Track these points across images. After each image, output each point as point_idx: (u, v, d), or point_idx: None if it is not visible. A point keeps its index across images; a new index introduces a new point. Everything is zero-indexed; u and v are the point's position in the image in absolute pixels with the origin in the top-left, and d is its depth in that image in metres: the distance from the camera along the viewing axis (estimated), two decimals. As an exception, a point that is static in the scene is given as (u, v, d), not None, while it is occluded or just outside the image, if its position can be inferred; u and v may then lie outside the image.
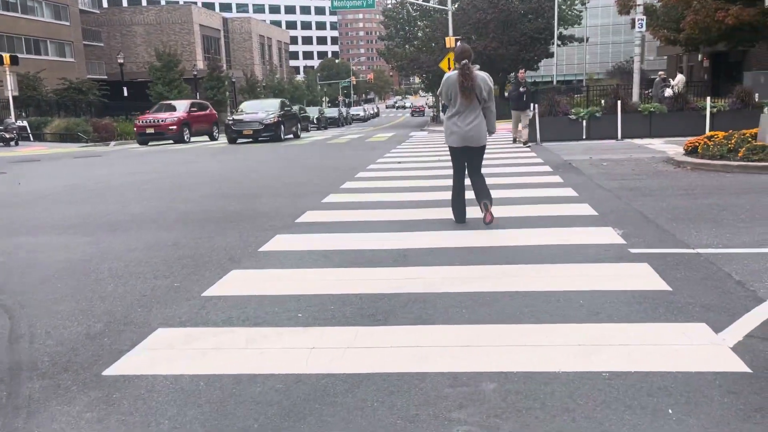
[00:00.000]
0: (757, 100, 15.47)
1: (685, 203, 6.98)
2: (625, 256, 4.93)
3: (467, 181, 6.35)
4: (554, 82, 38.53)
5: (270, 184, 10.14)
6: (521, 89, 15.79)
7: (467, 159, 6.29)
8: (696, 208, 6.67)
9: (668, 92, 23.52)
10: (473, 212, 6.45)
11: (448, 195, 6.63)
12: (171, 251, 5.65)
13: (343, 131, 34.18)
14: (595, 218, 6.37)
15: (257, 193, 9.06)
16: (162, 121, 24.43)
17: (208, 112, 27.43)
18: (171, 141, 24.56)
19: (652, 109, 15.54)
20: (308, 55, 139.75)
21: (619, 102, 15.32)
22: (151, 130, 24.50)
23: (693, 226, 5.86)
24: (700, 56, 42.81)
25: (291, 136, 24.62)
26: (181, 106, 25.89)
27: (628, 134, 15.40)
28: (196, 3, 72.54)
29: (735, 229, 5.69)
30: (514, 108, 16.18)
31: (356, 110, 72.16)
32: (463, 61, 5.92)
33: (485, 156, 6.48)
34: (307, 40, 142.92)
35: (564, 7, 42.65)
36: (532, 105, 15.95)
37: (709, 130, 15.03)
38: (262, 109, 23.42)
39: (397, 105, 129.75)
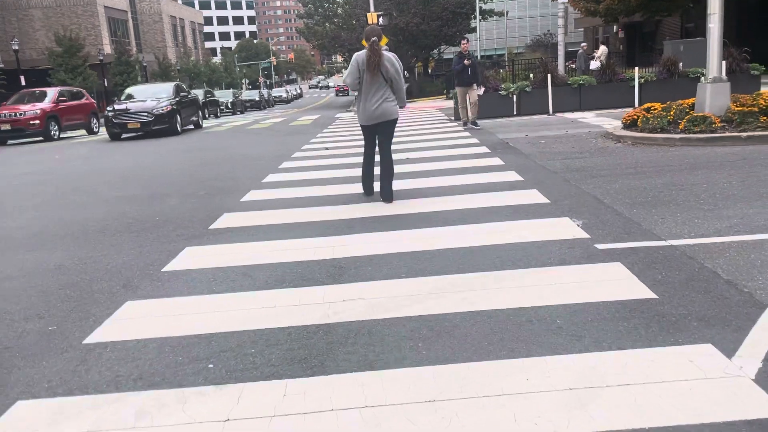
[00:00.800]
0: (681, 68, 15.44)
1: (638, 183, 6.48)
2: (594, 254, 4.30)
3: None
4: (479, 57, 38.27)
5: (178, 181, 9.04)
6: (465, 62, 13.47)
7: (378, 134, 6.50)
8: (651, 189, 6.17)
9: (594, 64, 23.59)
10: (409, 199, 5.70)
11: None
12: (52, 278, 4.60)
13: (266, 114, 32.69)
14: (548, 207, 5.75)
15: (163, 193, 7.98)
16: (21, 114, 19.37)
17: (84, 101, 22.50)
18: (38, 137, 20.00)
19: (581, 82, 15.25)
20: (225, 36, 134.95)
21: (549, 76, 14.94)
22: (6, 126, 19.25)
23: (655, 211, 5.32)
24: (615, 27, 43.74)
25: (191, 126, 20.78)
26: (48, 96, 20.91)
27: (559, 108, 15.07)
28: (99, -17, 67.88)
29: (701, 212, 5.19)
30: (458, 84, 13.98)
31: (278, 92, 69.75)
32: (372, 38, 6.26)
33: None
34: (223, 21, 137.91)
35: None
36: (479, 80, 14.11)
37: (639, 101, 14.94)
38: (152, 96, 18.91)
39: (320, 85, 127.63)
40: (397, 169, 8.37)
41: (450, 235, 5.01)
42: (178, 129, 18.61)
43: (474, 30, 41.02)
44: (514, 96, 15.44)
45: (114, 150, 14.92)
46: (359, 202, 6.52)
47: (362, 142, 6.81)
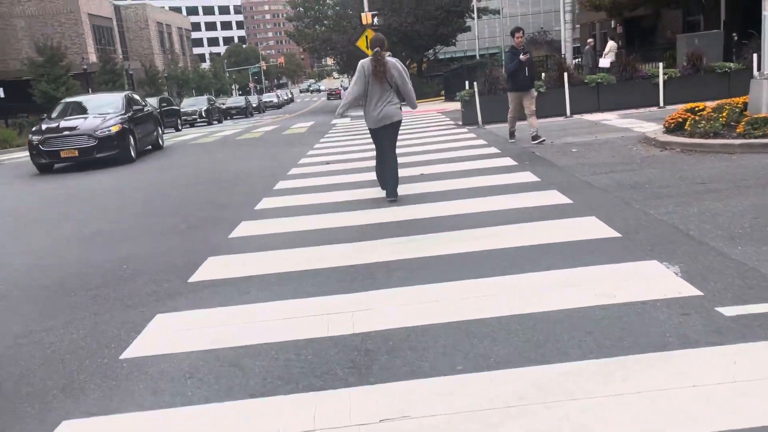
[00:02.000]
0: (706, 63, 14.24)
1: (720, 207, 5.23)
2: (723, 326, 3.05)
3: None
4: (477, 57, 37.10)
5: (155, 211, 7.77)
6: (522, 57, 9.94)
7: (384, 138, 6.73)
8: (743, 215, 4.93)
9: (604, 62, 22.41)
10: (440, 232, 4.46)
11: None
12: (-34, 376, 3.31)
13: (255, 122, 31.28)
14: (622, 244, 4.50)
15: (134, 230, 6.70)
16: None
17: None
18: None
19: (599, 81, 14.04)
20: (213, 42, 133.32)
21: (565, 75, 13.70)
22: None
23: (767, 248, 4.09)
24: (613, 22, 42.65)
25: (149, 147, 15.84)
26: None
27: (576, 110, 13.85)
28: (83, -10, 66.30)
29: (836, 252, 3.96)
30: (512, 88, 10.52)
31: (269, 97, 67.65)
32: (375, 49, 6.50)
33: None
34: (211, 26, 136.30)
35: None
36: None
37: (663, 100, 13.73)
38: (95, 111, 14.05)
39: (311, 89, 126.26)
40: (416, 189, 7.14)
41: (504, 293, 3.75)
42: (132, 155, 13.67)
43: (468, 29, 39.84)
44: (526, 97, 14.18)
45: (47, 186, 11.26)
46: (378, 236, 5.25)
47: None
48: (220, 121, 35.13)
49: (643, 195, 5.87)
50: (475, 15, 35.41)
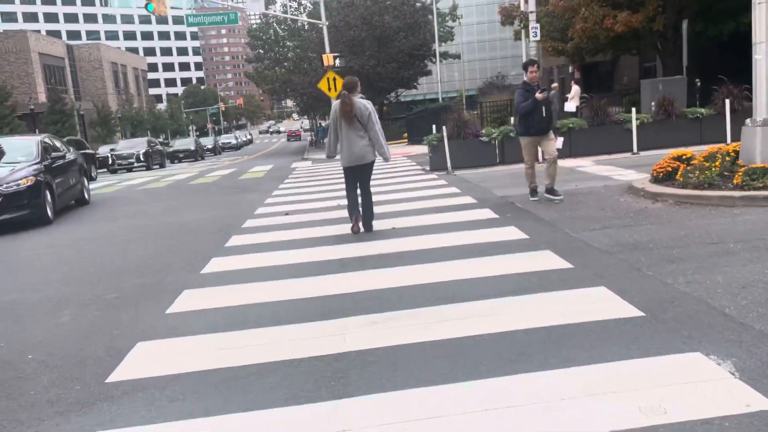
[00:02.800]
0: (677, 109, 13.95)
1: (747, 275, 4.49)
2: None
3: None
4: (440, 100, 36.97)
5: (74, 276, 6.69)
6: (538, 95, 7.97)
7: (357, 176, 7.17)
8: (779, 286, 4.20)
9: (569, 106, 22.28)
10: (419, 307, 3.56)
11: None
12: None
13: (211, 165, 30.19)
14: (652, 327, 3.68)
15: (44, 298, 5.61)
16: None
17: None
18: None
19: (571, 125, 13.57)
20: (171, 83, 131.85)
21: (536, 119, 13.18)
22: None
23: (836, 336, 3.32)
24: (570, 68, 43.39)
25: (72, 202, 12.87)
26: None
27: (548, 155, 13.29)
28: (35, 30, 64.59)
29: None
30: (526, 132, 8.37)
31: (227, 138, 65.86)
32: (342, 92, 6.91)
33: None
34: (169, 67, 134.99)
35: (433, 25, 41.54)
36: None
37: (637, 146, 13.32)
38: (1, 160, 11.08)
39: (270, 130, 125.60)
40: (389, 247, 6.27)
41: (521, 404, 2.86)
42: (49, 214, 10.62)
43: (429, 73, 39.87)
44: (496, 142, 13.63)
45: None
46: (350, 311, 4.33)
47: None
48: (162, 165, 31.44)
49: (651, 258, 5.11)
50: (437, 59, 35.38)
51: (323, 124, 57.07)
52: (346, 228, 7.48)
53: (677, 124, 13.67)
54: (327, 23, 27.68)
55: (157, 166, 30.33)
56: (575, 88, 22.28)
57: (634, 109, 13.47)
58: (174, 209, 11.39)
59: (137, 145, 30.84)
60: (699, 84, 20.24)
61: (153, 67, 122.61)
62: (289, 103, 76.21)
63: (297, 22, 43.66)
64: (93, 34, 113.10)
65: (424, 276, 5.13)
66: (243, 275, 5.73)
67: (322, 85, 24.74)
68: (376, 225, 7.45)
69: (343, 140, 6.97)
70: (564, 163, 12.85)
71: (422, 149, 20.11)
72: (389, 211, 8.64)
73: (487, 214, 7.72)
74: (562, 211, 7.49)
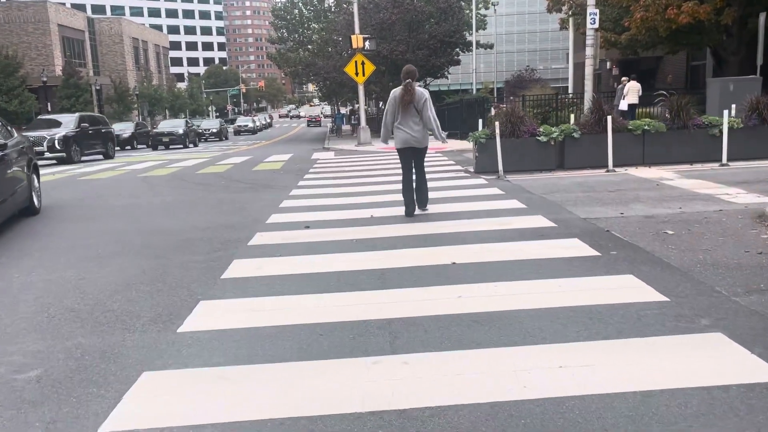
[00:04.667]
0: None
1: None
2: None
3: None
4: (474, 91, 34.75)
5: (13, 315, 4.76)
6: None
7: (412, 158, 7.64)
8: None
9: (624, 104, 20.04)
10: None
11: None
12: None
13: (227, 150, 28.25)
14: None
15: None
16: None
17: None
18: None
19: (646, 127, 11.42)
20: (193, 62, 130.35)
21: (609, 119, 11.04)
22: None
23: None
24: (608, 63, 40.80)
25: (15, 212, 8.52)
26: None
27: (618, 162, 11.20)
28: (60, 3, 62.88)
29: None
30: None
31: (244, 121, 61.77)
32: (407, 81, 7.25)
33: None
34: (192, 46, 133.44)
35: (468, 12, 39.21)
36: None
37: (727, 156, 11.16)
38: None
39: (291, 114, 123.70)
40: (454, 307, 4.25)
41: None
42: None
43: (459, 62, 37.66)
44: (555, 143, 11.53)
45: None
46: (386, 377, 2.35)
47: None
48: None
49: None
50: (474, 47, 33.07)
51: (343, 110, 54.97)
52: (392, 249, 5.50)
53: (774, 131, 11.48)
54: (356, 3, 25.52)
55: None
56: (632, 84, 20.01)
57: (726, 112, 11.26)
58: (162, 212, 9.45)
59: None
60: (777, 85, 17.94)
61: (176, 46, 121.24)
62: (311, 87, 74.15)
63: (324, 2, 41.62)
64: (118, 9, 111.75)
65: (531, 359, 3.13)
66: (239, 340, 3.76)
67: (349, 69, 22.72)
68: (429, 255, 5.48)
69: (401, 125, 7.41)
70: (638, 172, 10.76)
71: (458, 144, 18.03)
72: (439, 231, 6.63)
73: (579, 248, 5.66)
74: (685, 250, 5.43)
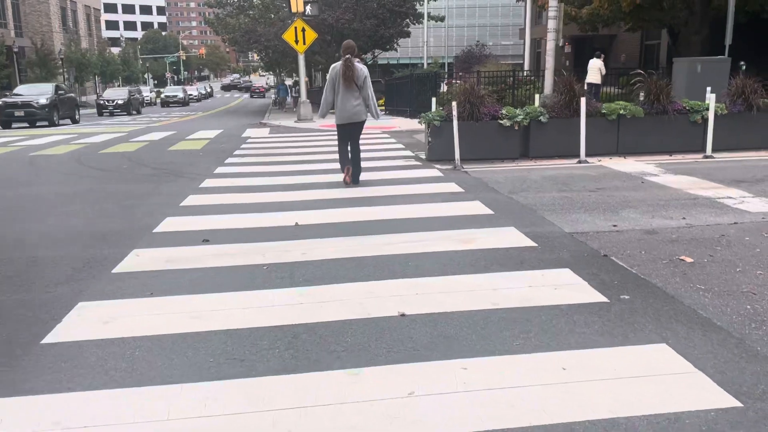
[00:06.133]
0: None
1: None
2: None
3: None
4: (424, 65, 32.94)
5: None
6: None
7: (350, 133, 7.92)
8: None
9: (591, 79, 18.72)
10: None
11: None
12: None
13: (150, 122, 25.66)
14: None
15: None
16: None
17: None
18: None
19: (621, 111, 9.96)
20: (131, 26, 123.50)
21: (582, 101, 9.51)
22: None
23: None
24: (561, 41, 39.70)
25: None
26: None
27: (590, 150, 9.73)
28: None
29: None
30: None
31: (173, 91, 54.95)
32: (346, 56, 7.58)
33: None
34: (129, 9, 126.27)
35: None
36: None
37: (712, 146, 9.85)
38: None
39: (239, 85, 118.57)
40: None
41: None
42: None
43: (409, 34, 35.73)
44: (518, 127, 9.96)
45: None
46: None
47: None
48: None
49: None
50: (425, 18, 31.20)
51: (288, 82, 52.20)
52: (319, 285, 3.79)
53: (759, 118, 10.23)
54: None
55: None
56: (594, 62, 18.72)
57: (713, 96, 9.91)
58: (35, 207, 7.43)
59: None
60: (744, 67, 16.89)
61: (111, 8, 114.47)
62: (255, 57, 70.68)
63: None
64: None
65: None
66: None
67: (288, 36, 20.64)
68: (370, 300, 3.81)
69: (340, 100, 7.66)
70: (613, 164, 9.32)
71: (407, 123, 16.34)
72: (383, 252, 4.94)
73: (576, 286, 4.06)
74: (721, 293, 3.89)
